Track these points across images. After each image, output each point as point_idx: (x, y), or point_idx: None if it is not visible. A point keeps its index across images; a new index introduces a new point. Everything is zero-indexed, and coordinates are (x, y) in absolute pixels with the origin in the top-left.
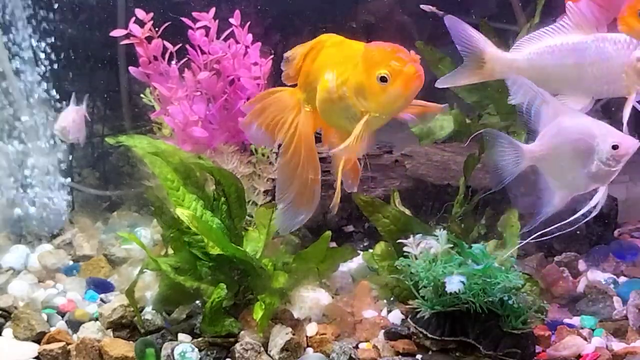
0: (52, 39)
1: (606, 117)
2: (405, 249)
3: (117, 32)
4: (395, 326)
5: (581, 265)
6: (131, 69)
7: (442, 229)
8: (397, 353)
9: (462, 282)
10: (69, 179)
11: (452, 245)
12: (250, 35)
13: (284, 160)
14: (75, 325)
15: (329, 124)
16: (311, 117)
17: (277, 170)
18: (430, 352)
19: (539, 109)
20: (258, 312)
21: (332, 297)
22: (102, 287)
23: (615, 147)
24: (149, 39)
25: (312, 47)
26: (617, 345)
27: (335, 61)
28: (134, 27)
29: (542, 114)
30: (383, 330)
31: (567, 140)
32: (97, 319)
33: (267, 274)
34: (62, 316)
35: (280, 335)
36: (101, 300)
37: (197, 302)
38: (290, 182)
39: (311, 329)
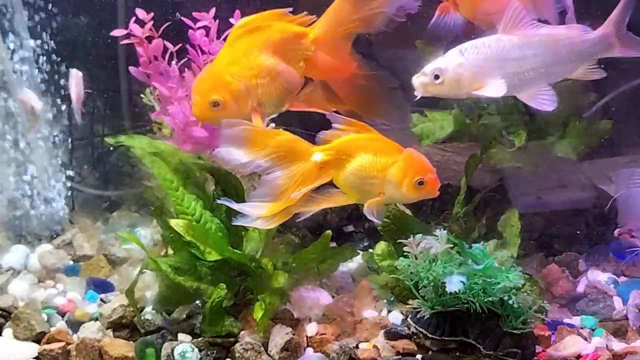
0: (51, 38)
1: (606, 118)
2: (405, 248)
3: (117, 32)
4: (395, 326)
5: (581, 265)
6: (131, 68)
7: (442, 229)
8: (397, 353)
9: (462, 282)
10: (69, 179)
11: (452, 245)
12: None
13: None
14: (75, 325)
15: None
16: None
17: None
18: (430, 352)
19: None
20: (258, 312)
21: (332, 297)
22: (102, 287)
23: None
24: (149, 39)
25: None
26: (617, 345)
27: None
28: (134, 27)
29: None
30: (383, 330)
31: None
32: (97, 319)
33: (266, 274)
34: (62, 316)
35: (280, 335)
36: (101, 300)
37: (197, 302)
38: None
39: (311, 329)
